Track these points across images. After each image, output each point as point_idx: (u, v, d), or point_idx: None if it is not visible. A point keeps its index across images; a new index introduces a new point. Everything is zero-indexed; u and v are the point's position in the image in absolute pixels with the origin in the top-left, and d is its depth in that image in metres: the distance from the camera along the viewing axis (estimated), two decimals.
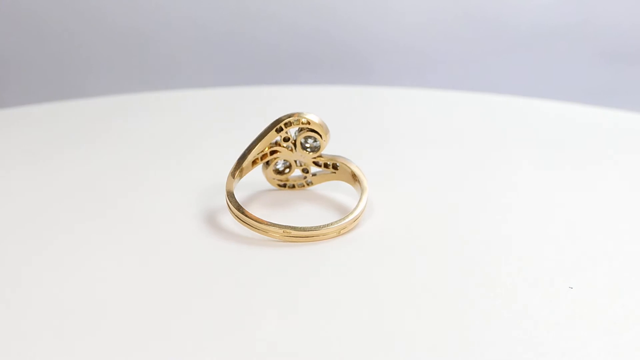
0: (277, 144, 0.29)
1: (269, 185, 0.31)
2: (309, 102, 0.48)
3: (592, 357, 0.20)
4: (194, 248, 0.26)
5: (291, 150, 0.29)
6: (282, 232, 0.26)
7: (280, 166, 0.30)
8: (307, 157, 0.29)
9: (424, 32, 0.84)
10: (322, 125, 0.28)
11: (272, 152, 0.29)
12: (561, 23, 0.83)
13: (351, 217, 0.27)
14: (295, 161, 0.30)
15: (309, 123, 0.28)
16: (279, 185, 0.31)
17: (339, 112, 0.45)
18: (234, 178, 0.28)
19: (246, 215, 0.26)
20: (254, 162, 0.29)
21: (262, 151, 0.29)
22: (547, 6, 0.83)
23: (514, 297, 0.23)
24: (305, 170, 0.30)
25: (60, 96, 0.73)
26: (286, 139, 0.29)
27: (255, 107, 0.46)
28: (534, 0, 0.83)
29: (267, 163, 0.30)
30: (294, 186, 0.31)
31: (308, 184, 0.31)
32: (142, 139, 0.39)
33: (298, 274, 0.24)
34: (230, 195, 0.27)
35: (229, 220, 0.28)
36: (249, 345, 0.20)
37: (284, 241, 0.26)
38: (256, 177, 0.31)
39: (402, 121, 0.43)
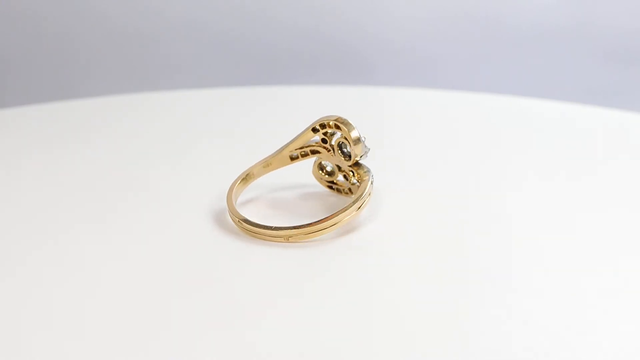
0: (319, 144, 0.29)
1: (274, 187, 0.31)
2: (310, 102, 0.48)
3: None
4: (195, 247, 0.26)
5: (331, 153, 0.29)
6: (237, 220, 0.27)
7: (329, 167, 0.30)
8: (344, 163, 0.28)
9: (425, 33, 0.84)
10: (353, 133, 0.27)
11: (314, 152, 0.29)
12: (561, 23, 0.83)
13: (304, 228, 0.26)
14: (338, 166, 0.29)
15: (337, 127, 0.28)
16: (328, 186, 0.30)
17: (339, 112, 0.45)
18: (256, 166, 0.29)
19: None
20: (295, 158, 0.29)
21: (301, 148, 0.29)
22: (547, 6, 0.83)
23: (518, 300, 0.23)
24: (346, 177, 0.29)
25: (60, 96, 0.73)
26: (325, 141, 0.28)
27: (256, 107, 0.46)
28: (534, 1, 0.83)
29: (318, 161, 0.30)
30: (340, 191, 0.30)
31: (352, 192, 0.29)
32: (142, 139, 0.39)
33: (299, 275, 0.24)
34: (229, 200, 0.28)
35: (229, 220, 0.28)
36: (249, 346, 0.20)
37: (242, 232, 0.27)
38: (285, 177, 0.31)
39: (402, 121, 0.43)
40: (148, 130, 0.41)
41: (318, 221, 0.26)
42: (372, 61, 0.85)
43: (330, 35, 0.84)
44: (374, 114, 0.44)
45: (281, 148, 0.29)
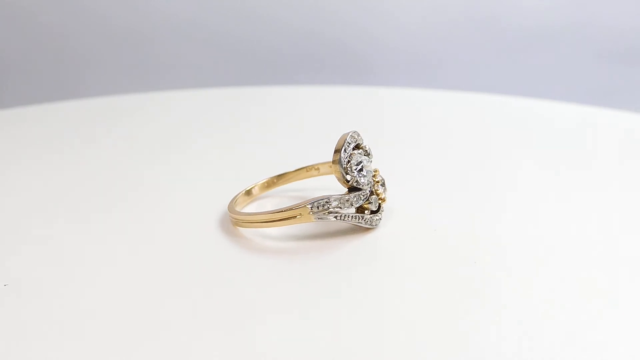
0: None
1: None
2: (310, 102, 0.48)
3: None
4: (195, 248, 0.26)
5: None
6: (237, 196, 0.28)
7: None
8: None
9: (424, 33, 0.84)
10: (337, 152, 0.26)
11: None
12: (561, 23, 0.83)
13: (244, 217, 0.26)
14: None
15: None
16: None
17: (339, 112, 0.45)
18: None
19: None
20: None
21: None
22: (548, 7, 0.83)
23: (518, 301, 0.23)
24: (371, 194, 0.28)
25: (60, 96, 0.73)
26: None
27: (256, 107, 0.46)
28: (534, 1, 0.83)
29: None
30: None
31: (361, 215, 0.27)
32: (142, 138, 0.40)
33: (301, 276, 0.24)
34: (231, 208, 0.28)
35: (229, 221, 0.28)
36: (250, 346, 0.20)
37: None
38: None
39: (402, 121, 0.43)
40: (148, 129, 0.41)
41: (251, 213, 0.27)
42: (371, 61, 0.85)
43: (331, 36, 0.84)
44: (374, 114, 0.44)
45: None
